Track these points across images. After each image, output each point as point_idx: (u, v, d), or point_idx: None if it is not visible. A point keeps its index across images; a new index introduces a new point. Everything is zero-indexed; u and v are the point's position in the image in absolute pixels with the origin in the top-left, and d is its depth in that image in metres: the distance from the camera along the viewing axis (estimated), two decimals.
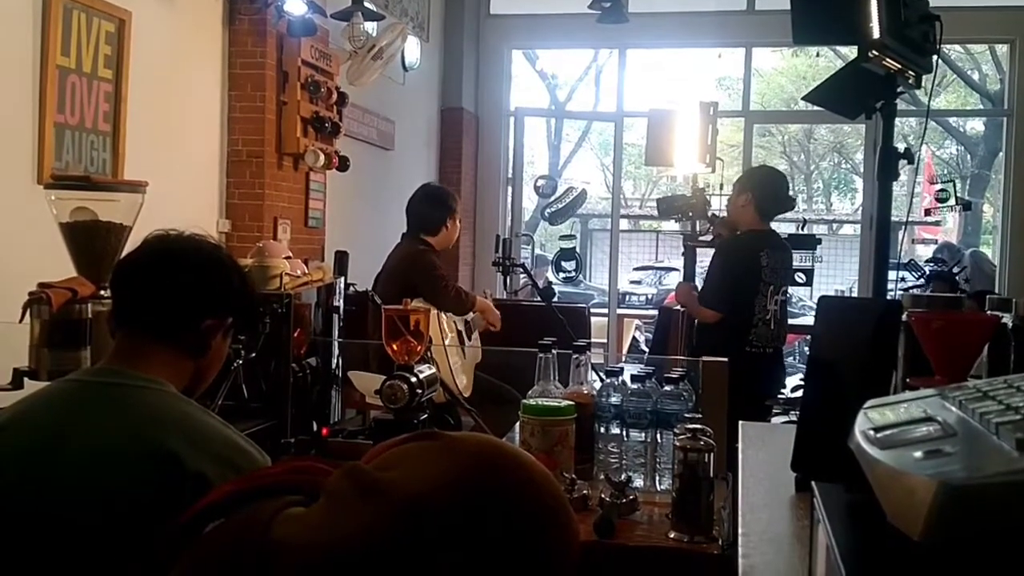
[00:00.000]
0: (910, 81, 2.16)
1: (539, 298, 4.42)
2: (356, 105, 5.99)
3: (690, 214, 4.30)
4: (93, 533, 1.24)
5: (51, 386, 1.45)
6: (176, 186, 4.36)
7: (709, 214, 4.27)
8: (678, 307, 4.70)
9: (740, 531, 1.01)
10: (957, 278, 6.92)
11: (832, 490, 0.80)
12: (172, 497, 1.20)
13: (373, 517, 0.75)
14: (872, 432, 0.67)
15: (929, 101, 2.45)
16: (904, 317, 1.37)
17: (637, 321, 9.96)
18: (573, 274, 7.96)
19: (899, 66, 2.07)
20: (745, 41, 7.86)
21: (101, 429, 1.31)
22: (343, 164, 5.20)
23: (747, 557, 0.93)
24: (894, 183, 2.25)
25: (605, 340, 8.17)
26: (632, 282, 15.38)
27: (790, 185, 4.33)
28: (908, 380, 1.37)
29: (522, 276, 5.17)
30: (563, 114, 16.91)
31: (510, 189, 8.16)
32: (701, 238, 4.20)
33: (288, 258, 2.33)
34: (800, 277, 7.03)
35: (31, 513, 1.26)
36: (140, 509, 1.23)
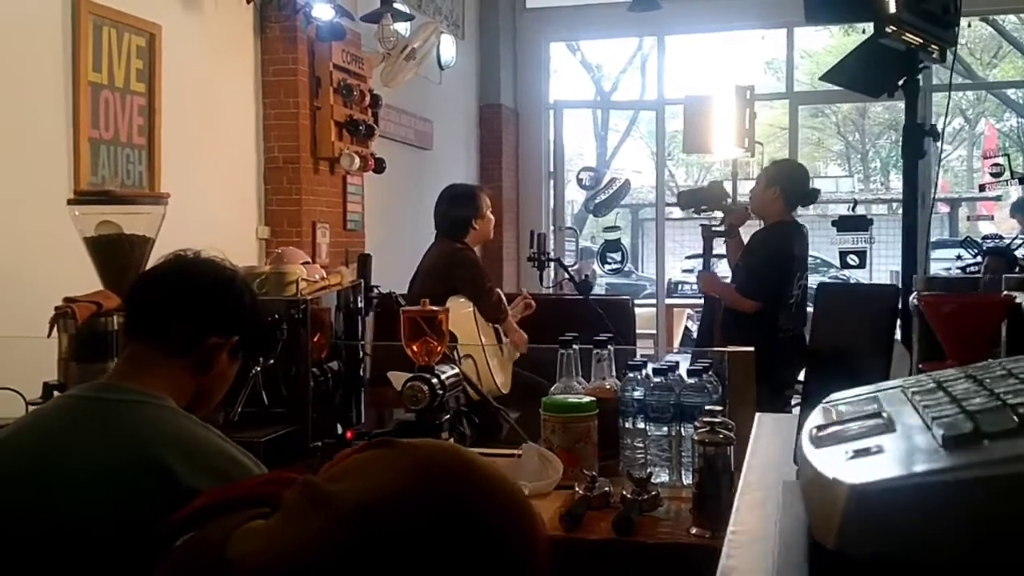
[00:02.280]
0: (934, 55, 2.09)
1: (577, 291, 4.38)
2: (392, 106, 6.02)
3: (703, 207, 4.48)
4: (86, 550, 1.25)
5: (51, 402, 1.47)
6: (214, 195, 4.42)
7: (723, 204, 4.39)
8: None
9: (730, 528, 0.98)
10: (1017, 253, 6.69)
11: (795, 487, 0.76)
12: (166, 512, 1.20)
13: (320, 528, 0.74)
14: (815, 430, 0.64)
15: (951, 73, 2.34)
16: (914, 300, 1.32)
17: (689, 311, 9.84)
18: (619, 265, 7.88)
19: (920, 40, 2.00)
20: (787, 21, 7.71)
21: (95, 445, 1.32)
22: (379, 166, 5.22)
23: (730, 557, 0.89)
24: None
25: (655, 331, 8.09)
26: (684, 271, 15.22)
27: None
28: (920, 366, 1.32)
29: (565, 269, 5.14)
30: (604, 105, 16.78)
31: (552, 183, 8.12)
32: (715, 228, 4.30)
33: (307, 263, 2.34)
34: (852, 259, 6.88)
35: (25, 532, 1.27)
36: (133, 525, 1.23)
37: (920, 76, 2.07)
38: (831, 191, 20.08)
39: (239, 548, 0.78)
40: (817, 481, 0.53)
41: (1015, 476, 0.46)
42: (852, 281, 10.93)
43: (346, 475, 0.79)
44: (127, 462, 1.31)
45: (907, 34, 1.95)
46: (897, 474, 0.48)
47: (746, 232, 4.38)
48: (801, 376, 4.27)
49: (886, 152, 22.12)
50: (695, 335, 9.55)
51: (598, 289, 10.76)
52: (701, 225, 4.48)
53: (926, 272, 2.17)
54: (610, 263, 7.85)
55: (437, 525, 0.74)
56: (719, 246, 4.52)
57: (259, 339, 1.67)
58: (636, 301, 9.51)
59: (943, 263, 11.16)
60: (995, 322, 1.26)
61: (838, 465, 0.53)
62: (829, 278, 11.86)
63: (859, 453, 0.55)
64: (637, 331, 6.85)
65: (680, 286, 14.02)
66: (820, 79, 2.56)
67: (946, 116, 5.33)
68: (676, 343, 8.83)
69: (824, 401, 0.74)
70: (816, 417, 0.69)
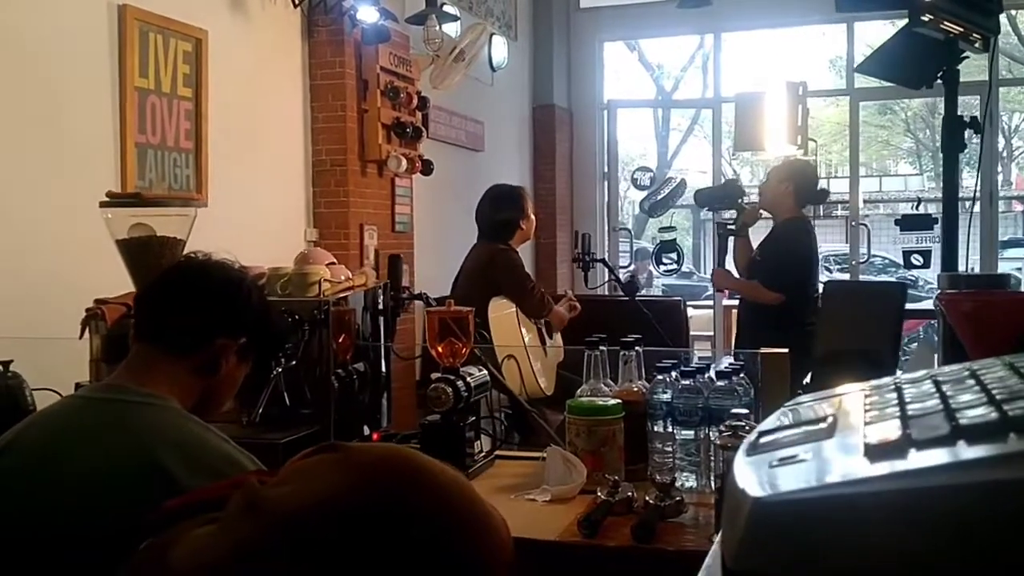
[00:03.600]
0: (976, 44, 1.99)
1: (623, 292, 4.32)
2: (442, 108, 6.02)
3: (718, 205, 4.67)
4: (83, 550, 1.24)
5: (58, 402, 1.48)
6: (262, 198, 4.47)
7: (738, 202, 4.43)
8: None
9: (716, 539, 0.92)
10: None
11: None
12: None
13: (253, 534, 0.72)
14: (757, 435, 0.59)
15: (991, 66, 2.22)
16: (936, 300, 1.25)
17: None
18: (675, 266, 7.77)
19: (960, 29, 1.91)
20: (846, 16, 7.53)
21: (96, 445, 1.32)
22: (427, 168, 5.22)
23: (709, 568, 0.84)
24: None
25: (711, 333, 7.97)
26: None
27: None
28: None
29: (610, 270, 5.09)
30: (660, 104, 16.62)
31: (606, 183, 8.04)
32: (730, 227, 4.36)
33: (332, 264, 2.33)
34: (917, 259, 6.68)
35: (27, 533, 1.28)
36: (130, 525, 1.23)
37: (959, 67, 1.97)
38: (899, 189, 19.59)
39: (178, 553, 0.76)
40: (732, 492, 0.49)
41: (931, 489, 0.41)
42: (912, 281, 10.61)
43: (286, 480, 0.76)
44: (126, 463, 1.30)
45: (945, 22, 1.87)
46: (801, 486, 0.44)
47: (755, 234, 4.46)
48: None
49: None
50: None
51: (655, 291, 10.66)
52: (716, 223, 4.61)
53: (953, 269, 2.08)
54: (665, 264, 7.75)
55: (375, 531, 0.71)
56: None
57: (269, 341, 1.66)
58: (695, 303, 9.37)
59: (1014, 263, 10.80)
60: (1018, 322, 1.19)
61: (755, 475, 0.49)
62: (897, 279, 11.57)
63: (783, 461, 0.50)
64: (694, 333, 6.77)
65: None
66: (855, 70, 2.47)
67: (986, 109, 5.10)
68: (733, 345, 8.68)
69: (785, 404, 0.69)
70: (769, 421, 0.64)
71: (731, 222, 4.39)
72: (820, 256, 4.45)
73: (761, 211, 4.39)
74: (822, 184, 4.45)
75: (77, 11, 3.43)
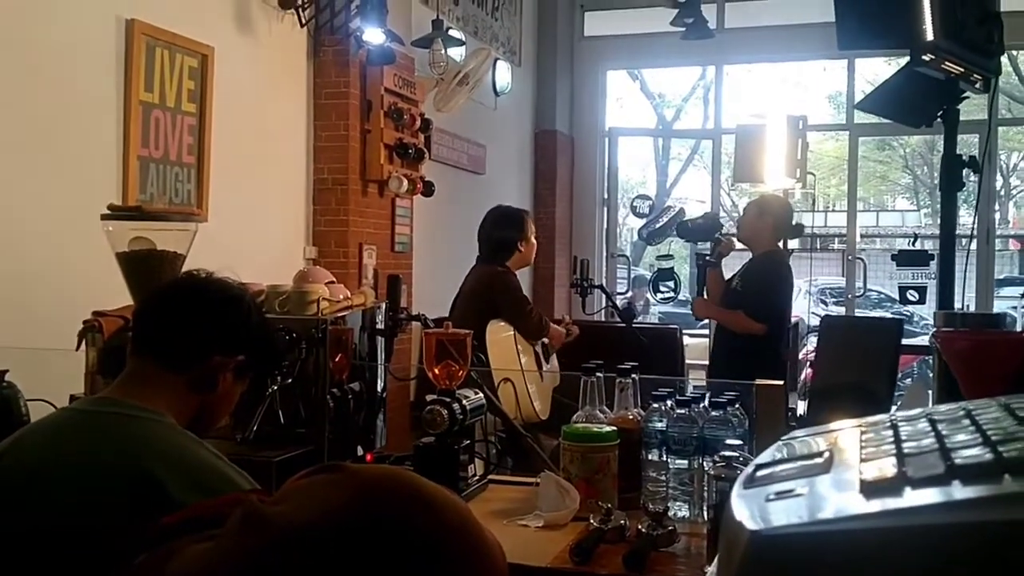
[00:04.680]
0: (976, 85, 2.01)
1: (619, 319, 4.33)
2: (445, 131, 6.05)
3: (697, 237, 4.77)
4: (76, 562, 1.24)
5: (51, 414, 1.48)
6: (263, 214, 4.48)
7: (715, 234, 4.57)
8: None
9: (708, 570, 0.93)
10: None
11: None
12: None
13: (250, 550, 0.72)
14: (753, 469, 0.59)
15: (991, 106, 2.25)
16: (931, 337, 1.26)
17: None
18: (672, 294, 7.79)
19: (961, 69, 1.93)
20: (847, 53, 7.59)
21: (86, 456, 1.32)
22: (428, 189, 5.24)
23: None
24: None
25: (707, 362, 7.95)
26: None
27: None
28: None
29: (608, 296, 5.10)
30: (661, 133, 16.71)
31: (606, 210, 8.07)
32: (708, 258, 4.51)
33: (331, 283, 2.33)
34: (912, 295, 6.70)
35: (16, 543, 1.27)
36: (118, 535, 1.23)
37: (960, 106, 1.99)
38: (896, 225, 19.64)
39: (176, 568, 0.76)
40: (729, 524, 0.49)
41: (926, 528, 0.42)
42: (907, 316, 10.63)
43: (286, 498, 0.76)
44: (119, 473, 1.30)
45: (946, 63, 1.89)
46: (797, 520, 0.44)
47: (727, 265, 4.60)
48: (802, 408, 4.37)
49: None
50: None
51: (651, 318, 10.65)
52: (696, 254, 4.77)
53: (948, 307, 2.09)
54: (663, 292, 7.76)
55: (374, 548, 0.71)
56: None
57: (266, 361, 1.66)
58: (691, 331, 9.36)
59: (1010, 301, 10.82)
60: (1012, 361, 1.20)
61: (753, 508, 0.49)
62: (892, 313, 11.59)
63: (780, 495, 0.51)
64: (689, 361, 6.76)
65: None
66: (856, 107, 2.50)
67: (985, 148, 5.16)
68: (706, 375, 8.66)
69: (783, 438, 0.70)
70: (766, 454, 0.65)
71: (709, 253, 4.52)
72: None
73: (736, 243, 4.52)
74: (799, 219, 4.69)
75: (86, 24, 3.45)
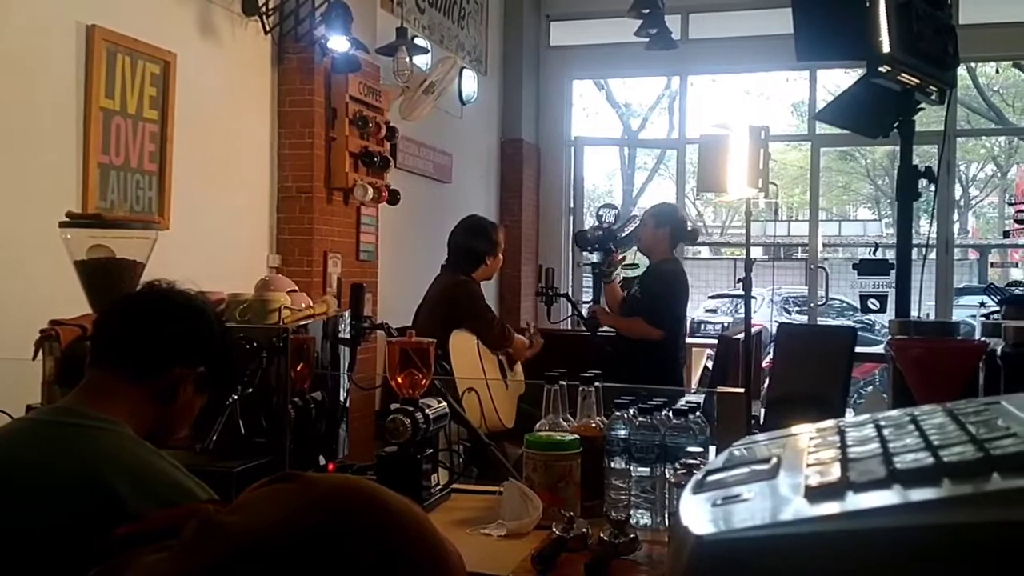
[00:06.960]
0: (932, 96, 2.05)
1: (584, 328, 4.34)
2: (411, 139, 6.04)
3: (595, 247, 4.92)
4: (31, 574, 1.23)
5: (8, 424, 1.46)
6: (226, 222, 4.44)
7: (608, 245, 4.79)
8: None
9: None
10: None
11: None
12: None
13: (205, 561, 0.71)
14: (704, 474, 0.60)
15: (947, 117, 2.29)
16: (887, 345, 1.28)
17: (708, 351, 9.74)
18: None
19: (917, 81, 1.96)
20: (808, 64, 7.68)
21: (42, 465, 1.31)
22: (393, 197, 5.22)
23: None
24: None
25: None
26: (708, 310, 15.10)
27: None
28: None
29: (572, 305, 5.12)
30: (626, 142, 16.83)
31: (572, 219, 8.10)
32: (606, 269, 4.72)
33: (293, 292, 2.32)
34: (873, 303, 6.78)
35: None
36: (73, 545, 1.21)
37: (915, 117, 2.03)
38: (859, 234, 19.91)
39: None
40: (676, 529, 0.50)
41: (868, 531, 0.43)
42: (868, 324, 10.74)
43: (242, 508, 0.76)
44: (74, 483, 1.29)
45: (903, 74, 1.92)
46: (742, 525, 0.45)
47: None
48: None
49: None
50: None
51: None
52: (591, 264, 4.94)
53: (905, 316, 2.12)
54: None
55: (329, 557, 0.71)
56: None
57: (227, 373, 1.65)
58: None
59: (969, 310, 10.99)
60: (965, 368, 1.22)
61: (699, 513, 0.50)
62: (854, 322, 11.71)
63: (727, 500, 0.51)
64: None
65: (703, 325, 13.88)
66: (814, 117, 2.53)
67: (940, 160, 5.23)
68: (695, 383, 8.71)
69: (735, 443, 0.70)
70: (717, 460, 0.66)
71: (604, 265, 4.72)
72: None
73: (621, 257, 4.78)
74: (694, 226, 4.91)
75: (45, 30, 3.41)
